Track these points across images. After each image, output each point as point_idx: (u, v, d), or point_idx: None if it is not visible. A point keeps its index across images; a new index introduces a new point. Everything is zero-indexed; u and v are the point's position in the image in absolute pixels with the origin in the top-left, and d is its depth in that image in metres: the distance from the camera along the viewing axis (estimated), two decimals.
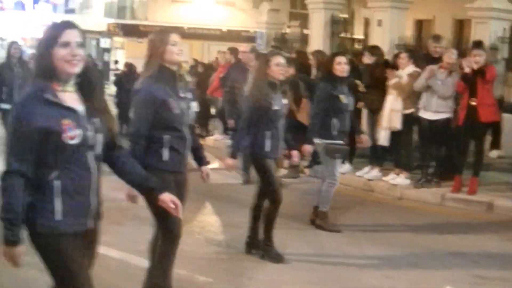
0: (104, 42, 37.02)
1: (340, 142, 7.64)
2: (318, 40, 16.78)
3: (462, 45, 13.46)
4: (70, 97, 3.31)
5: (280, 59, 6.39)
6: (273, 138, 6.37)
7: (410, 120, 9.97)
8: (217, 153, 13.48)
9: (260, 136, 6.35)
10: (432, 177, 9.91)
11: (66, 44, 3.23)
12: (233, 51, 14.07)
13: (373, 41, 14.29)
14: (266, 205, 6.55)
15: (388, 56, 12.01)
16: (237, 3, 33.48)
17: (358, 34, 18.37)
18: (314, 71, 11.75)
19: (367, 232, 7.88)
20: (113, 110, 15.02)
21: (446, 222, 8.59)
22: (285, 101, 6.63)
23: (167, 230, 4.80)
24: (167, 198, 3.62)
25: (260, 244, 6.65)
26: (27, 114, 3.16)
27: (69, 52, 3.23)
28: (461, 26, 20.11)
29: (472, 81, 9.04)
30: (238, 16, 32.84)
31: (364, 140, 8.01)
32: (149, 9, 33.05)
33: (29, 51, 39.26)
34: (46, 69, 3.25)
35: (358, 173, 10.59)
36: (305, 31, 19.34)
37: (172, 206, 3.62)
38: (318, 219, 7.85)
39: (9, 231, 3.15)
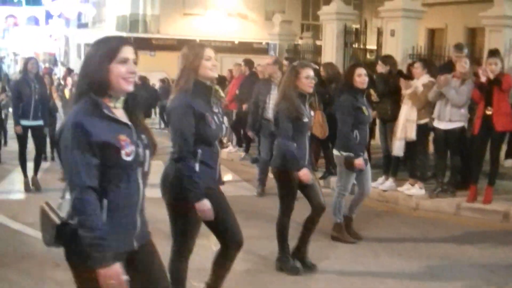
0: None
1: (360, 153, 7.48)
2: (331, 51, 16.82)
3: (475, 54, 13.39)
4: (120, 114, 3.22)
5: (309, 72, 6.32)
6: (299, 150, 6.30)
7: (424, 130, 9.95)
8: (231, 165, 13.52)
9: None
10: (447, 187, 9.87)
11: (125, 61, 3.16)
12: (248, 63, 14.13)
13: (386, 51, 14.29)
14: (279, 217, 6.54)
15: (401, 66, 12.00)
16: (249, 15, 33.62)
17: (371, 44, 18.35)
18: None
19: (383, 243, 7.85)
20: None
21: (463, 232, 8.54)
22: (312, 113, 6.61)
23: (181, 246, 4.85)
24: None
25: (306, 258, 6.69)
26: (89, 128, 3.04)
27: (128, 69, 3.16)
28: (473, 34, 20.10)
29: (488, 90, 9.02)
30: (250, 28, 32.97)
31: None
32: (161, 22, 33.25)
33: (42, 65, 39.51)
34: (101, 84, 3.15)
35: (373, 184, 10.52)
36: (318, 42, 19.39)
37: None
38: (334, 231, 7.83)
39: (101, 250, 3.02)
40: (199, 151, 4.62)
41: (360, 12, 24.20)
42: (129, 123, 3.23)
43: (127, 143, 3.13)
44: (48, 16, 50.42)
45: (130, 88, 3.20)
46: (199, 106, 4.58)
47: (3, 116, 15.26)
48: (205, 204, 4.58)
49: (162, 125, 22.62)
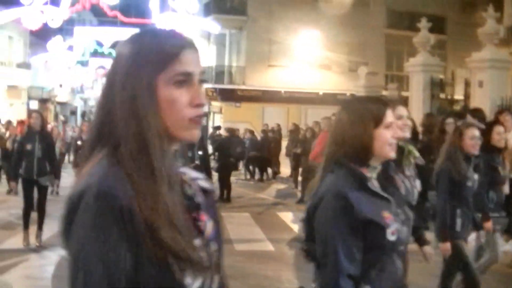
0: None
1: (497, 215, 7.04)
2: (417, 102, 16.81)
3: None
4: (376, 186, 2.81)
5: (475, 132, 5.94)
6: (464, 217, 5.90)
7: None
8: None
9: (451, 214, 5.88)
10: None
11: (390, 125, 2.82)
12: None
13: (475, 102, 14.20)
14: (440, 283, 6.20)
15: (491, 118, 11.86)
16: (333, 67, 33.82)
17: (459, 95, 18.24)
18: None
19: None
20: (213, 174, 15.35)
21: None
22: (476, 176, 6.11)
23: None
24: None
25: None
26: (354, 204, 2.66)
27: (393, 134, 2.83)
28: None
29: None
30: (334, 79, 33.13)
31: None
32: (247, 73, 33.76)
33: None
34: (365, 152, 2.79)
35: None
36: (403, 93, 19.40)
37: None
38: None
39: None
40: None
41: (446, 63, 24.08)
42: (390, 197, 2.81)
43: (391, 220, 2.71)
44: None
45: (394, 155, 2.86)
46: (387, 167, 4.29)
47: None
48: None
49: (248, 176, 22.92)
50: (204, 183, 1.73)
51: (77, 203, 1.48)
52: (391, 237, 2.69)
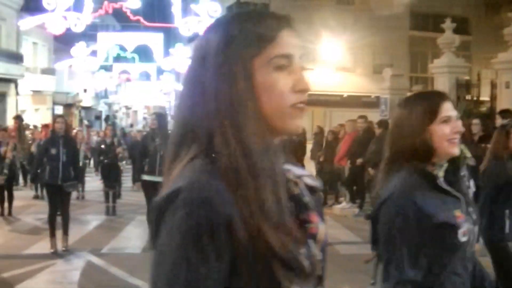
0: None
1: None
2: None
3: None
4: (445, 184, 2.68)
5: None
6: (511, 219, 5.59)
7: None
8: (344, 221, 13.41)
9: (499, 216, 5.60)
10: None
11: (448, 120, 2.68)
12: (364, 118, 14.26)
13: (501, 103, 14.05)
14: None
15: None
16: (357, 69, 33.66)
17: (484, 96, 18.04)
18: None
19: None
20: None
21: None
22: None
23: None
24: None
25: None
26: (422, 206, 2.55)
27: (452, 128, 2.67)
28: None
29: None
30: (358, 82, 32.96)
31: None
32: None
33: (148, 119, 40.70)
34: (425, 149, 2.65)
35: None
36: None
37: None
38: None
39: None
40: None
41: (471, 64, 23.87)
42: (460, 195, 2.69)
43: (462, 220, 2.59)
44: (159, 71, 52.20)
45: (456, 151, 2.69)
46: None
47: (121, 167, 15.58)
48: None
49: None
50: (310, 181, 1.58)
51: (165, 208, 1.37)
52: (462, 238, 2.57)
